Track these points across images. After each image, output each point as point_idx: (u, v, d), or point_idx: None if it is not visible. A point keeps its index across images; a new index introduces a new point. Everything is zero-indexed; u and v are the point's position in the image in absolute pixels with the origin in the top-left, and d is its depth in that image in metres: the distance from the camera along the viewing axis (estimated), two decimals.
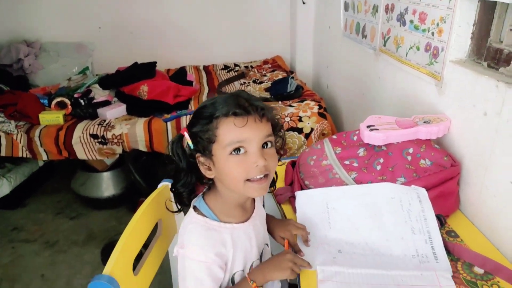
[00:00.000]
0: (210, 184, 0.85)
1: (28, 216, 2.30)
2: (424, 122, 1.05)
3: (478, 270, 0.81)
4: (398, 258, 0.84)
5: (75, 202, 2.37)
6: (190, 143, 0.79)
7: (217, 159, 0.77)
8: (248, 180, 0.77)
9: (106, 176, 2.23)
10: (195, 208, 0.84)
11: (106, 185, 2.23)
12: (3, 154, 1.89)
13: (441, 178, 0.96)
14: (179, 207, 0.87)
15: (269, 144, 0.79)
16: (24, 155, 1.91)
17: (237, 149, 0.75)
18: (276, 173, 0.90)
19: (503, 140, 0.86)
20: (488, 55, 0.95)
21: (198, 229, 0.80)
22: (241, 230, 0.84)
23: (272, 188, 0.92)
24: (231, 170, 0.76)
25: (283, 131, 0.89)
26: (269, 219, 0.96)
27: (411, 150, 1.01)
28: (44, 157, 1.92)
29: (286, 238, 0.90)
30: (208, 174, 0.81)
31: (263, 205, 1.00)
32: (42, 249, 2.02)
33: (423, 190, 0.92)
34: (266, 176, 0.78)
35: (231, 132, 0.75)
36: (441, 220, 0.92)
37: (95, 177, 2.22)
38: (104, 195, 2.23)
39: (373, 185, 0.96)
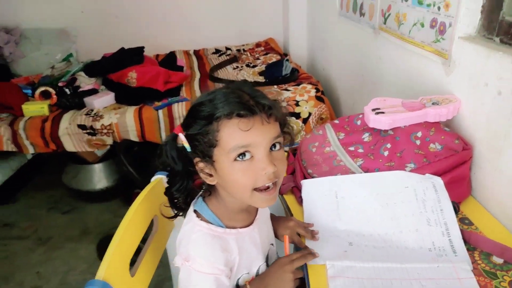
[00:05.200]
0: (210, 188, 0.78)
1: (19, 212, 2.23)
2: (433, 104, 0.99)
3: (497, 260, 0.76)
4: (413, 250, 0.80)
5: (68, 196, 2.30)
6: (187, 146, 0.71)
7: (219, 166, 0.69)
8: (255, 189, 0.69)
9: (98, 168, 2.16)
10: (196, 212, 0.77)
11: (98, 178, 2.16)
12: None
13: (453, 163, 0.91)
14: (175, 211, 0.80)
15: (278, 146, 0.70)
16: (9, 149, 1.82)
17: (243, 154, 0.67)
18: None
19: None
20: (501, 30, 0.89)
21: (204, 239, 0.73)
22: (246, 235, 0.78)
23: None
24: (237, 178, 0.68)
25: (291, 126, 0.80)
26: (271, 218, 0.90)
27: (419, 134, 0.96)
28: (31, 150, 1.84)
29: (284, 236, 0.83)
30: (210, 181, 0.73)
31: None
32: (36, 245, 1.96)
33: (439, 179, 0.86)
34: (274, 184, 0.71)
35: (235, 136, 0.66)
36: (455, 207, 0.87)
37: (86, 169, 2.15)
38: (96, 187, 2.16)
39: (385, 173, 0.90)
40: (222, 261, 0.72)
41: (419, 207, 0.84)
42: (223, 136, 0.66)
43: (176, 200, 0.77)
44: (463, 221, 0.88)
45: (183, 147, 0.71)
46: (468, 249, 0.79)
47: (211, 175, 0.72)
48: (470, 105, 0.97)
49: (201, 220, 0.75)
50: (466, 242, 0.80)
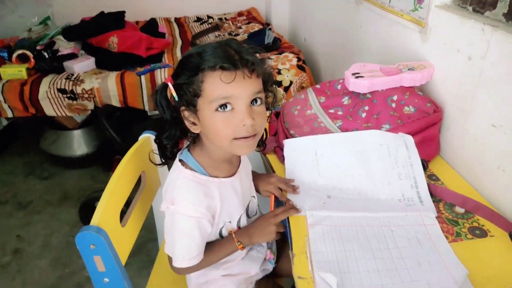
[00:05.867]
0: (195, 137, 0.82)
1: None
2: (408, 69, 1.05)
3: (459, 210, 0.84)
4: (385, 201, 0.86)
5: (46, 162, 2.28)
6: (174, 94, 0.74)
7: (202, 115, 0.73)
8: (235, 138, 0.74)
9: (78, 134, 2.15)
10: (181, 162, 0.81)
11: (78, 144, 2.15)
12: None
13: (424, 124, 0.98)
14: (163, 160, 0.84)
15: (259, 101, 0.74)
16: None
17: (224, 106, 0.71)
18: (266, 131, 0.86)
19: (486, 83, 0.87)
20: None
21: (188, 184, 0.78)
22: (228, 184, 0.83)
23: (261, 147, 0.89)
24: (217, 127, 0.73)
25: (275, 86, 0.85)
26: (253, 175, 0.95)
27: (395, 97, 1.02)
28: (9, 114, 1.81)
29: (271, 194, 0.90)
30: (193, 129, 0.77)
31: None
32: (15, 210, 1.96)
33: (410, 138, 0.93)
34: (254, 135, 0.75)
35: (217, 87, 0.70)
36: (424, 165, 0.94)
37: (66, 135, 2.13)
38: (76, 153, 2.15)
39: (362, 132, 0.96)
40: (205, 205, 0.78)
41: (392, 163, 0.91)
42: (207, 87, 0.71)
43: (165, 148, 0.81)
44: (431, 177, 0.95)
45: (173, 98, 0.75)
46: (433, 201, 0.86)
47: (195, 124, 0.76)
48: (442, 70, 1.03)
49: (186, 168, 0.80)
50: (432, 194, 0.88)
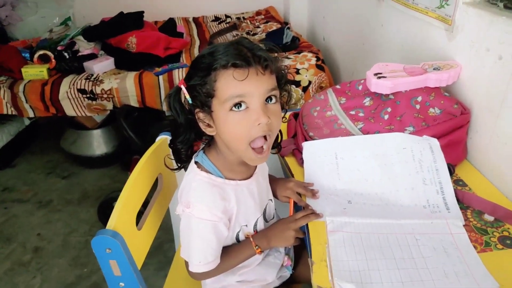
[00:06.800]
0: (210, 140, 0.80)
1: (18, 177, 2.25)
2: (434, 69, 1.01)
3: (488, 218, 0.80)
4: (408, 208, 0.83)
5: (66, 161, 2.32)
6: (188, 97, 0.73)
7: (216, 116, 0.71)
8: (250, 145, 0.72)
9: (97, 134, 2.17)
10: (197, 164, 0.80)
11: (98, 143, 2.18)
12: None
13: (451, 127, 0.93)
14: (179, 164, 0.82)
15: (273, 99, 0.72)
16: (9, 112, 1.83)
17: (238, 105, 0.69)
18: (281, 132, 0.84)
19: None
20: None
21: (204, 187, 0.76)
22: (244, 187, 0.81)
23: (277, 149, 0.87)
24: (232, 128, 0.70)
25: (289, 85, 0.82)
26: (270, 179, 0.92)
27: (419, 99, 0.98)
28: (31, 114, 1.84)
29: (289, 199, 0.87)
30: (208, 131, 0.75)
31: None
32: (36, 208, 2.00)
33: (435, 141, 0.89)
34: (267, 140, 0.72)
35: (231, 85, 0.68)
36: (450, 169, 0.90)
37: (85, 135, 2.16)
38: (96, 153, 2.18)
39: (384, 135, 0.92)
40: (221, 208, 0.76)
41: (416, 167, 0.87)
42: (220, 86, 0.69)
43: (179, 152, 0.79)
44: (458, 182, 0.91)
45: (186, 101, 0.73)
46: (461, 208, 0.82)
47: (210, 126, 0.74)
48: (470, 70, 0.98)
49: (201, 170, 0.78)
50: (459, 201, 0.83)
